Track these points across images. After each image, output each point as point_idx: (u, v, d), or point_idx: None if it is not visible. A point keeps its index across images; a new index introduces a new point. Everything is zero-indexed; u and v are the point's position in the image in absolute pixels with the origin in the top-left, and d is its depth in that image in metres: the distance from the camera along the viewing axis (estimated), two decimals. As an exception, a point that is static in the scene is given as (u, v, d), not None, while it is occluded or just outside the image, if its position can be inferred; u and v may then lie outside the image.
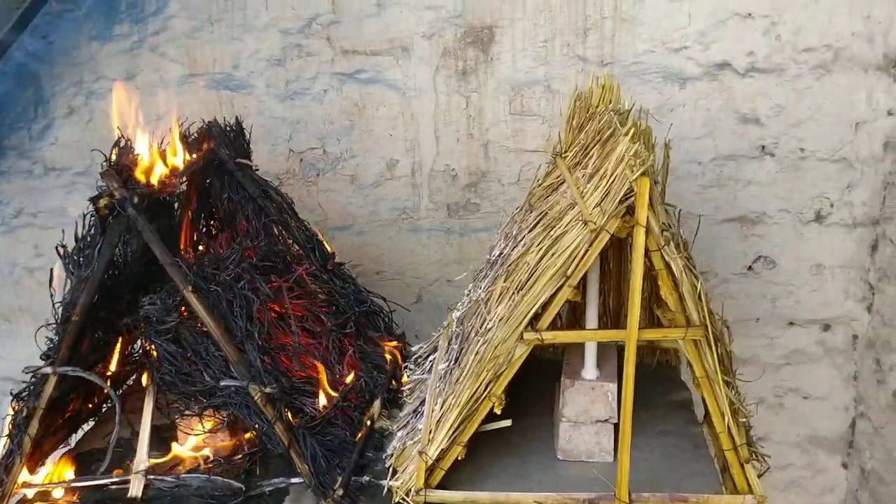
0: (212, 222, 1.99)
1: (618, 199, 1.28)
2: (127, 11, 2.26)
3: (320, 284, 1.94)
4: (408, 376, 1.85)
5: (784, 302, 2.38)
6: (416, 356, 1.89)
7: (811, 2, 2.10)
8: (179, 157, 1.66)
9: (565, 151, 1.74)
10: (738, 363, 2.33)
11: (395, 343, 1.97)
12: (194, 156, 1.77)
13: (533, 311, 1.34)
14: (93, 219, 1.46)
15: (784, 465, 2.56)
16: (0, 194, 2.47)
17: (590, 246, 1.30)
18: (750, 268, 2.35)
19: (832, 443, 2.53)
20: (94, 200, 1.42)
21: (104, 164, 1.46)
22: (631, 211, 1.27)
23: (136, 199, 1.39)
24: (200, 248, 1.90)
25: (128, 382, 1.90)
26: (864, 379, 2.38)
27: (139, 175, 1.45)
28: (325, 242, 2.02)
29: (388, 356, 1.90)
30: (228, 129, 1.94)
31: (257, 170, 1.98)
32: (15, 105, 2.37)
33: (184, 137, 1.82)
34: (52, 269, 1.50)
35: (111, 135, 2.24)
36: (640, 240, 1.27)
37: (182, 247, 1.83)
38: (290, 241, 1.98)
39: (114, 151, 1.47)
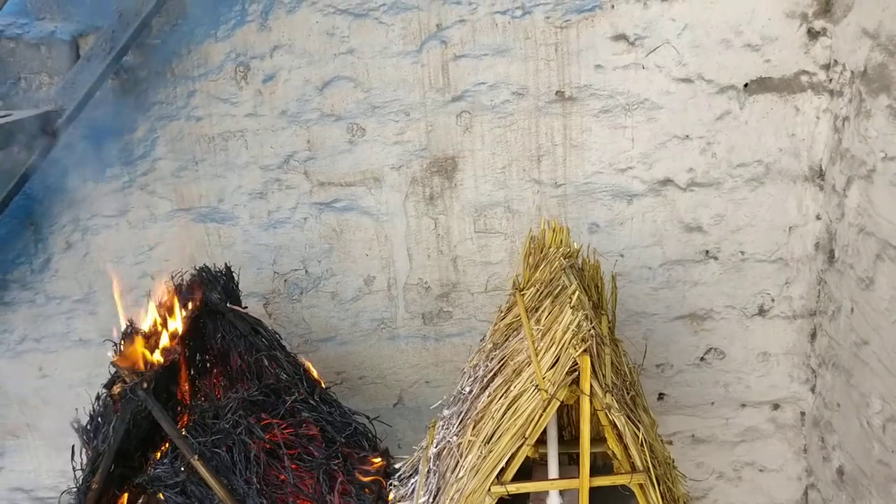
0: (206, 357, 2.17)
1: (565, 371, 1.48)
2: (117, 155, 2.45)
3: (309, 411, 2.13)
4: (392, 495, 2.04)
5: (735, 387, 2.59)
6: (399, 474, 2.08)
7: (741, 123, 2.32)
8: (177, 319, 1.85)
9: (524, 288, 1.95)
10: (697, 443, 2.57)
11: (379, 461, 2.15)
12: (189, 308, 1.96)
13: (499, 466, 1.54)
14: (106, 399, 1.65)
15: (746, 533, 2.77)
16: (5, 323, 2.65)
17: (543, 411, 1.50)
18: (702, 358, 2.57)
19: (788, 510, 2.74)
20: (108, 387, 1.60)
21: (115, 351, 1.65)
22: (577, 381, 1.48)
23: (145, 385, 1.58)
24: (196, 385, 2.09)
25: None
26: (813, 454, 2.60)
27: (146, 358, 1.64)
28: (312, 371, 2.21)
29: (373, 476, 2.09)
30: (219, 273, 2.13)
31: (246, 308, 2.17)
32: (16, 242, 2.55)
33: (177, 288, 2.01)
34: (73, 446, 1.68)
35: (105, 266, 2.45)
36: (585, 406, 1.47)
37: (183, 387, 2.03)
38: (280, 372, 2.16)
39: (122, 339, 1.66)
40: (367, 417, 2.24)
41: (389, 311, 2.58)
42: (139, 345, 1.67)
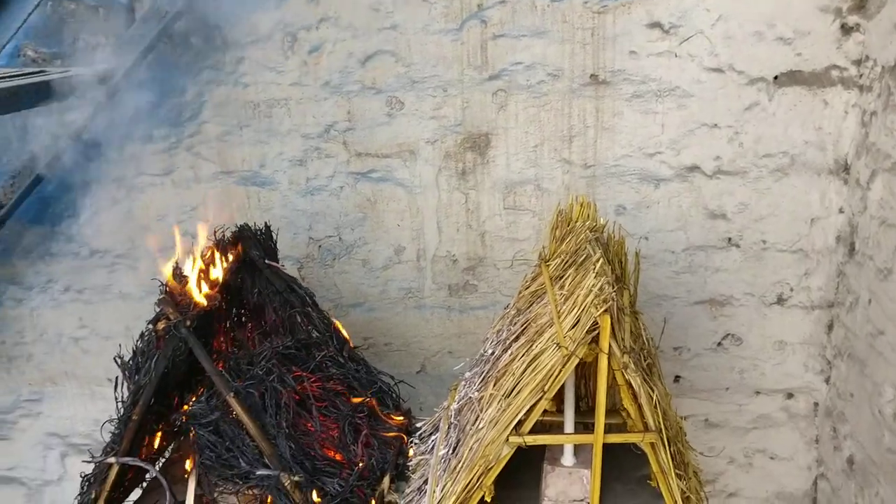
0: (242, 311, 2.28)
1: (585, 330, 1.56)
2: (166, 117, 2.56)
3: (337, 367, 2.22)
4: (413, 451, 2.13)
5: (751, 374, 2.65)
6: (420, 433, 2.17)
7: (769, 115, 2.38)
8: (218, 268, 1.95)
9: (549, 259, 2.03)
10: (710, 427, 2.63)
11: (401, 419, 2.25)
12: (230, 260, 2.06)
13: (517, 418, 1.62)
14: (150, 335, 1.75)
15: (754, 519, 2.84)
16: (50, 273, 2.77)
17: (562, 367, 1.58)
18: (719, 344, 2.63)
19: (797, 499, 2.79)
20: (153, 322, 1.70)
21: (161, 289, 1.75)
22: (596, 340, 1.56)
23: (188, 322, 1.68)
24: (232, 336, 2.19)
25: (166, 454, 2.18)
26: (824, 443, 2.65)
27: (189, 298, 1.74)
28: (341, 330, 2.30)
29: (395, 432, 2.18)
30: (258, 231, 2.23)
31: (283, 267, 2.27)
32: (65, 197, 2.66)
33: (219, 242, 2.11)
34: (116, 377, 1.78)
35: (149, 223, 2.56)
36: (603, 364, 1.55)
37: (220, 338, 2.13)
38: (312, 329, 2.26)
39: (168, 279, 1.76)
40: (392, 378, 2.33)
41: (417, 282, 2.67)
42: (184, 286, 1.77)
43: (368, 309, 2.71)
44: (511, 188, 2.53)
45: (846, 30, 2.26)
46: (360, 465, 1.96)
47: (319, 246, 2.65)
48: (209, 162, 2.60)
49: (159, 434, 2.00)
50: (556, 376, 1.59)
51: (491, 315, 2.65)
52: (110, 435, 1.83)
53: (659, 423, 1.64)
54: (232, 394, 1.73)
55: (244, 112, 2.53)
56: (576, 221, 2.04)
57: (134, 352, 1.77)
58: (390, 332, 2.74)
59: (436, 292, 2.67)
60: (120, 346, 1.89)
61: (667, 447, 1.65)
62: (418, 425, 2.19)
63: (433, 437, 2.09)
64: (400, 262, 2.65)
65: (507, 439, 1.63)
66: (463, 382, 2.06)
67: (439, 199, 2.56)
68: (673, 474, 1.66)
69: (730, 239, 2.51)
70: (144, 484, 2.13)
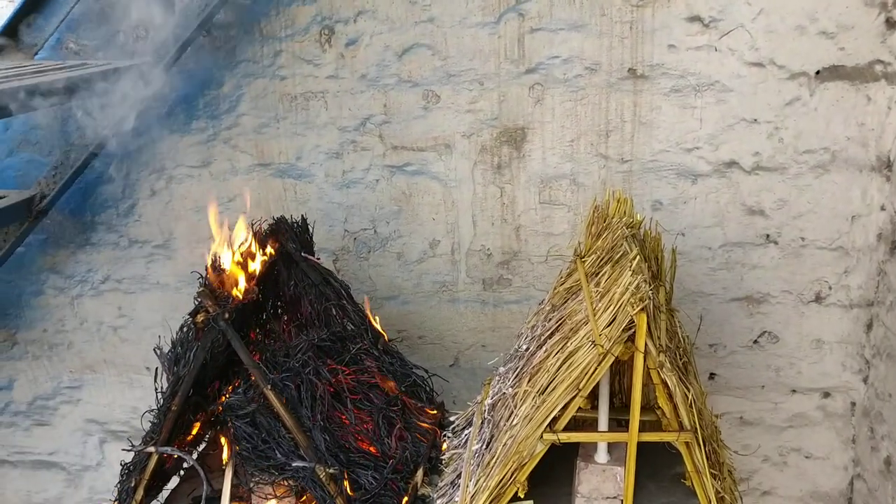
0: (278, 303, 2.30)
1: (621, 328, 1.56)
2: (204, 109, 2.58)
3: (371, 359, 2.24)
4: (446, 444, 2.14)
5: (787, 372, 2.63)
6: (453, 426, 2.18)
7: (810, 110, 2.35)
8: (256, 262, 1.97)
9: (585, 255, 2.02)
10: (744, 425, 2.61)
11: (435, 412, 2.26)
12: (267, 253, 2.08)
13: (552, 415, 1.62)
14: (189, 327, 1.77)
15: (788, 518, 2.81)
16: (90, 263, 2.81)
17: (598, 365, 1.58)
18: (755, 341, 2.61)
19: (833, 499, 2.77)
20: (192, 314, 1.73)
21: (200, 281, 1.77)
22: (632, 338, 1.55)
23: (227, 315, 1.70)
24: (268, 328, 2.21)
25: (201, 444, 2.22)
26: (861, 443, 2.62)
27: (227, 291, 1.76)
28: (376, 323, 2.31)
29: (429, 426, 2.19)
30: (295, 224, 2.25)
31: (319, 259, 2.29)
32: (105, 187, 2.70)
33: (257, 234, 2.13)
34: (156, 369, 1.81)
35: (187, 214, 2.60)
36: (639, 363, 1.55)
37: (255, 329, 2.16)
38: (347, 322, 2.27)
39: (207, 272, 1.78)
40: (426, 371, 2.34)
41: (451, 275, 2.68)
42: (223, 279, 1.79)
43: (402, 302, 2.72)
44: (546, 182, 2.52)
45: (891, 24, 2.22)
46: (394, 458, 1.97)
47: (355, 239, 2.66)
48: (246, 154, 2.62)
49: (196, 424, 2.03)
50: (592, 374, 1.59)
51: (525, 309, 2.65)
52: (149, 424, 1.86)
53: (694, 422, 1.63)
54: (269, 386, 1.75)
55: (281, 105, 2.55)
56: (612, 217, 2.03)
57: (173, 343, 1.79)
58: (424, 324, 2.75)
59: (470, 286, 2.68)
60: (159, 337, 1.92)
61: (702, 447, 1.64)
62: (451, 419, 2.21)
63: (466, 432, 2.11)
64: (434, 256, 2.66)
65: (542, 436, 1.63)
66: (497, 377, 2.06)
67: (474, 193, 2.56)
68: (708, 474, 1.65)
69: (768, 236, 2.48)
70: (181, 473, 2.16)
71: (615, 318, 1.59)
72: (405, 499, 1.93)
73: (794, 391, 2.65)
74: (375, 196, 2.60)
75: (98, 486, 3.16)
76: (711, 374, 2.66)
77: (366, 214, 2.63)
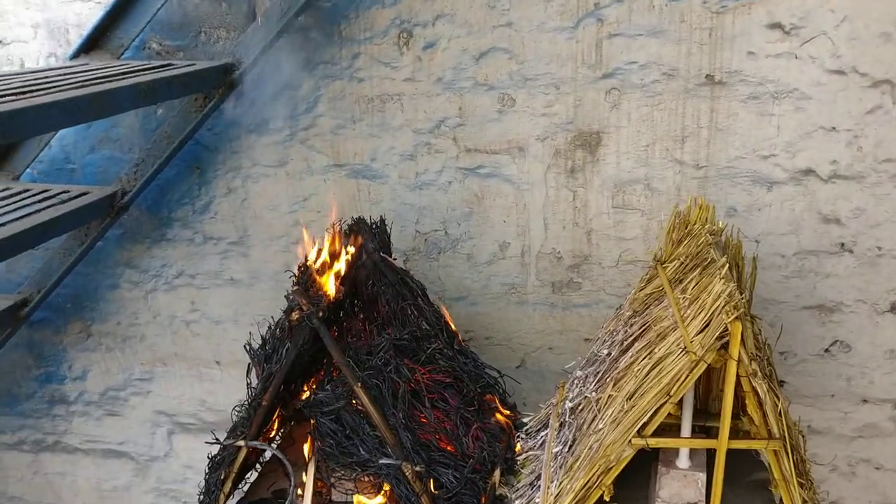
0: (356, 302, 2.33)
1: (715, 336, 1.57)
2: (282, 109, 2.63)
3: (446, 359, 2.26)
4: (521, 446, 2.16)
5: (858, 381, 2.61)
6: (527, 428, 2.21)
7: (892, 118, 2.32)
8: (342, 261, 2.01)
9: (666, 261, 2.03)
10: (813, 434, 2.60)
11: (509, 412, 2.28)
12: (351, 254, 2.11)
13: (641, 421, 1.64)
14: (283, 324, 1.81)
15: (855, 528, 2.79)
16: (165, 258, 2.88)
17: (690, 372, 1.59)
18: (827, 350, 2.59)
19: (901, 510, 2.74)
20: (286, 312, 1.77)
21: (294, 280, 1.81)
22: (725, 346, 1.56)
23: (320, 313, 1.74)
24: (348, 326, 2.26)
25: (279, 434, 2.26)
26: (933, 455, 2.60)
27: (321, 290, 1.80)
28: (451, 323, 2.34)
29: (504, 427, 2.21)
30: (374, 224, 2.28)
31: (395, 259, 2.32)
32: (182, 184, 2.76)
33: (341, 234, 2.18)
34: (248, 365, 1.85)
35: (262, 212, 2.64)
36: (731, 371, 1.56)
37: (335, 328, 2.20)
38: (422, 321, 2.30)
39: (301, 271, 1.82)
40: (498, 372, 2.36)
41: (521, 277, 2.69)
42: (316, 277, 1.83)
43: (471, 303, 2.75)
44: (620, 187, 2.53)
45: (979, 33, 2.20)
46: (473, 457, 2.00)
47: (426, 239, 2.69)
48: (322, 154, 2.66)
49: (277, 419, 2.07)
50: (683, 381, 1.60)
51: (594, 313, 2.66)
52: (237, 418, 1.90)
53: (783, 430, 1.63)
54: (359, 384, 1.79)
55: (358, 106, 2.59)
56: (693, 224, 2.04)
57: (264, 339, 1.83)
58: (492, 326, 2.77)
59: (539, 289, 2.69)
60: (249, 333, 1.96)
61: (790, 455, 1.64)
62: (524, 420, 2.23)
63: (542, 434, 2.13)
64: (504, 258, 2.68)
65: (630, 441, 1.65)
66: (573, 381, 2.08)
67: (546, 196, 2.58)
68: (795, 482, 1.66)
69: (843, 244, 2.47)
70: (257, 467, 2.21)
71: (708, 326, 1.60)
72: (484, 498, 1.95)
73: (864, 401, 2.63)
74: (447, 198, 2.63)
75: (165, 476, 3.23)
76: (781, 381, 2.64)
77: (437, 216, 2.66)
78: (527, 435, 2.20)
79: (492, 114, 2.52)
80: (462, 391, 2.19)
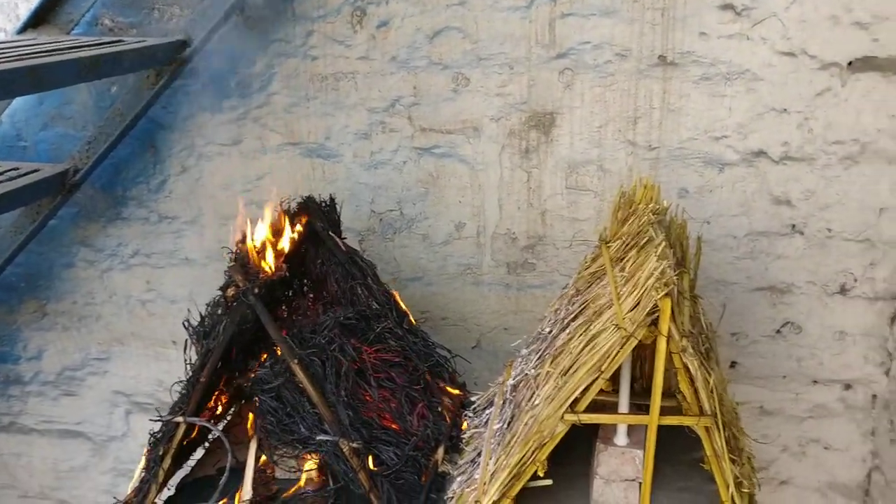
0: (304, 281, 2.33)
1: (645, 312, 1.57)
2: (236, 87, 2.61)
3: (395, 339, 2.26)
4: (467, 424, 2.17)
5: (808, 363, 2.63)
6: (474, 406, 2.21)
7: (841, 101, 2.34)
8: (285, 239, 2.00)
9: (610, 241, 2.04)
10: (764, 414, 2.62)
11: (457, 392, 2.28)
12: (296, 231, 2.11)
13: (573, 396, 1.64)
14: (219, 301, 1.81)
15: (805, 508, 2.82)
16: (121, 237, 2.86)
17: (621, 348, 1.60)
18: (778, 331, 2.61)
19: (850, 490, 2.77)
20: (223, 289, 1.76)
21: (230, 256, 1.80)
22: (656, 322, 1.57)
23: (256, 290, 1.73)
24: (294, 305, 2.25)
25: (227, 417, 2.26)
26: (880, 436, 2.62)
27: (258, 267, 1.79)
28: (401, 303, 2.34)
29: (450, 405, 2.22)
30: (323, 203, 2.28)
31: (345, 239, 2.31)
32: (137, 163, 2.75)
33: (286, 213, 2.17)
34: (185, 341, 1.85)
35: (216, 191, 2.63)
36: (661, 347, 1.56)
37: (282, 306, 2.20)
38: (372, 301, 2.30)
39: (238, 248, 1.81)
40: (449, 351, 2.36)
41: (476, 258, 2.70)
42: (252, 254, 1.83)
43: (426, 283, 2.75)
44: (574, 168, 2.53)
45: (926, 16, 2.21)
46: (416, 435, 2.00)
47: (381, 219, 2.69)
48: (276, 133, 2.64)
49: (223, 397, 2.07)
50: (614, 357, 1.60)
51: (548, 294, 2.67)
52: (178, 395, 1.90)
53: (714, 407, 1.64)
54: (296, 360, 1.79)
55: (312, 85, 2.57)
56: (638, 203, 2.04)
57: (201, 316, 1.83)
58: (447, 306, 2.77)
59: (494, 269, 2.70)
60: (188, 310, 1.95)
61: (721, 431, 1.65)
62: (472, 399, 2.23)
63: (487, 412, 2.13)
64: (460, 238, 2.68)
65: (563, 416, 1.65)
66: (519, 359, 2.08)
67: (501, 177, 2.58)
68: (727, 458, 1.67)
69: (794, 226, 2.48)
70: (206, 444, 2.21)
71: (639, 303, 1.60)
72: (426, 475, 1.96)
73: (815, 382, 2.65)
74: (402, 177, 2.63)
75: (123, 456, 3.22)
76: (733, 362, 2.67)
77: (392, 196, 2.65)
78: (474, 413, 2.20)
79: (446, 93, 2.52)
80: (410, 370, 2.19)
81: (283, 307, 2.27)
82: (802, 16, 2.27)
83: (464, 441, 2.12)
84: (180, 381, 1.90)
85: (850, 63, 2.29)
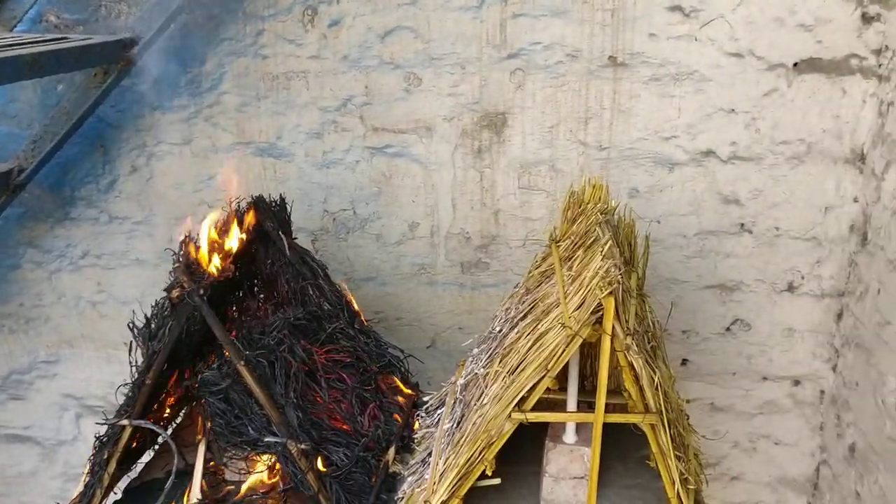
0: (255, 281, 2.31)
1: (590, 311, 1.58)
2: (186, 87, 2.58)
3: (347, 339, 2.25)
4: (419, 424, 2.17)
5: (758, 360, 2.67)
6: (426, 406, 2.21)
7: (787, 101, 2.37)
8: (233, 240, 1.98)
9: (560, 240, 2.05)
10: (715, 411, 2.65)
11: (410, 392, 2.28)
12: (246, 233, 2.09)
13: (520, 395, 1.65)
14: (165, 302, 1.78)
15: (756, 503, 2.86)
16: (70, 238, 2.81)
17: (566, 346, 1.60)
18: (728, 329, 2.64)
19: (799, 484, 2.82)
20: (167, 290, 1.74)
21: (175, 257, 1.78)
22: (601, 321, 1.58)
23: (202, 291, 1.72)
24: (244, 306, 2.23)
25: (177, 419, 2.23)
26: (828, 430, 2.67)
27: (203, 268, 1.77)
28: (353, 303, 2.33)
29: (403, 406, 2.21)
30: (273, 203, 2.26)
31: (296, 239, 2.30)
32: (86, 162, 2.70)
33: (235, 213, 2.14)
34: (130, 342, 1.82)
35: (167, 191, 2.60)
36: (605, 345, 1.57)
37: (232, 307, 2.18)
38: (323, 302, 2.29)
39: (183, 249, 1.79)
40: (402, 351, 2.36)
41: (430, 258, 2.69)
42: (199, 255, 1.81)
43: (381, 283, 2.74)
44: (526, 168, 2.54)
45: (867, 19, 2.25)
46: (366, 436, 1.99)
47: (334, 219, 2.68)
48: (227, 132, 2.62)
49: (171, 400, 2.05)
50: (560, 355, 1.61)
51: (502, 293, 2.68)
52: (124, 398, 1.88)
53: (660, 404, 1.65)
54: (243, 362, 1.77)
55: (263, 84, 2.55)
56: (587, 203, 2.05)
57: (147, 318, 1.81)
58: (402, 306, 2.77)
59: (448, 269, 2.70)
60: (133, 312, 1.93)
61: (667, 429, 1.67)
62: (425, 399, 2.23)
63: (439, 411, 2.13)
64: (413, 238, 2.67)
65: (510, 415, 1.66)
66: (470, 358, 2.09)
67: (454, 177, 2.58)
68: (672, 455, 1.68)
69: (742, 225, 2.51)
70: (156, 447, 2.18)
71: (584, 301, 1.61)
72: (375, 476, 1.95)
73: (764, 378, 2.69)
74: (355, 177, 2.62)
75: (73, 460, 3.17)
76: (684, 360, 2.70)
77: (345, 195, 2.64)
78: (426, 413, 2.20)
79: (398, 93, 2.51)
80: (361, 371, 2.18)
81: (234, 308, 2.25)
82: (749, 17, 2.30)
83: (416, 441, 2.12)
84: (127, 384, 1.87)
85: (795, 64, 2.33)
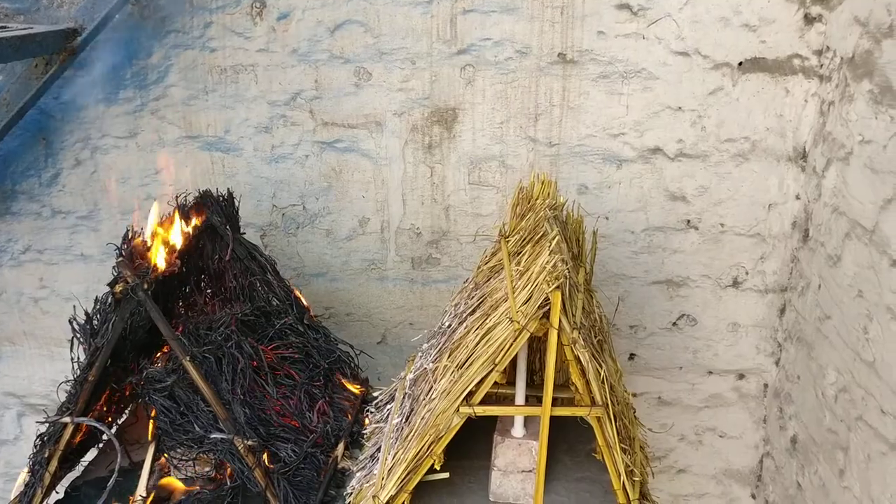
0: (202, 277, 2.28)
1: (537, 305, 1.59)
2: (131, 79, 2.54)
3: (296, 335, 2.24)
4: (369, 419, 2.16)
5: (704, 354, 2.71)
6: (376, 401, 2.20)
7: (732, 100, 2.42)
8: (178, 233, 1.95)
9: (509, 235, 2.06)
10: (662, 405, 2.69)
11: (359, 388, 2.27)
12: (192, 227, 2.06)
13: (468, 389, 1.66)
14: (108, 298, 1.75)
15: (701, 495, 2.91)
16: (10, 233, 2.74)
17: (514, 341, 1.61)
18: (674, 323, 2.68)
19: (744, 476, 2.87)
20: (110, 285, 1.71)
21: (118, 251, 1.75)
22: (547, 315, 1.59)
23: (145, 286, 1.69)
24: (191, 302, 2.20)
25: (122, 416, 2.19)
26: (771, 423, 2.72)
27: (147, 262, 1.74)
28: (302, 299, 2.31)
29: (352, 401, 2.20)
30: (221, 198, 2.23)
31: (245, 234, 2.27)
32: (27, 155, 2.64)
33: (181, 207, 2.11)
34: (72, 339, 1.78)
35: (113, 185, 2.55)
36: (553, 339, 1.59)
37: (179, 303, 2.14)
38: (272, 297, 2.27)
39: (126, 242, 1.76)
40: (352, 347, 2.35)
41: (380, 253, 2.69)
42: (142, 250, 1.78)
43: (331, 279, 2.73)
44: (476, 164, 2.55)
45: (809, 20, 2.30)
46: (315, 432, 1.98)
47: (283, 214, 2.65)
48: (174, 126, 2.58)
49: (116, 397, 2.01)
50: (508, 350, 1.62)
51: (452, 288, 2.68)
52: (66, 395, 1.84)
53: (606, 398, 1.67)
54: (188, 358, 1.75)
55: (210, 77, 2.52)
56: (536, 199, 2.06)
57: (88, 314, 1.77)
58: (352, 302, 2.76)
59: (399, 264, 2.69)
60: (74, 307, 1.89)
61: (613, 422, 1.69)
62: (375, 394, 2.23)
63: (388, 406, 2.13)
64: (364, 234, 2.66)
65: (458, 409, 1.66)
66: (420, 354, 2.09)
67: (405, 172, 2.57)
68: (618, 448, 1.70)
69: (689, 221, 2.55)
70: (100, 445, 2.14)
71: (532, 296, 1.62)
72: (324, 472, 1.94)
73: (710, 372, 2.74)
74: (305, 172, 2.60)
75: (15, 460, 3.10)
76: (632, 354, 2.73)
77: (295, 190, 2.62)
78: (376, 408, 2.19)
79: (348, 87, 2.50)
80: (310, 367, 2.17)
81: (180, 304, 2.22)
82: (695, 17, 2.34)
83: (365, 437, 2.12)
84: (69, 381, 1.83)
85: (740, 63, 2.37)
